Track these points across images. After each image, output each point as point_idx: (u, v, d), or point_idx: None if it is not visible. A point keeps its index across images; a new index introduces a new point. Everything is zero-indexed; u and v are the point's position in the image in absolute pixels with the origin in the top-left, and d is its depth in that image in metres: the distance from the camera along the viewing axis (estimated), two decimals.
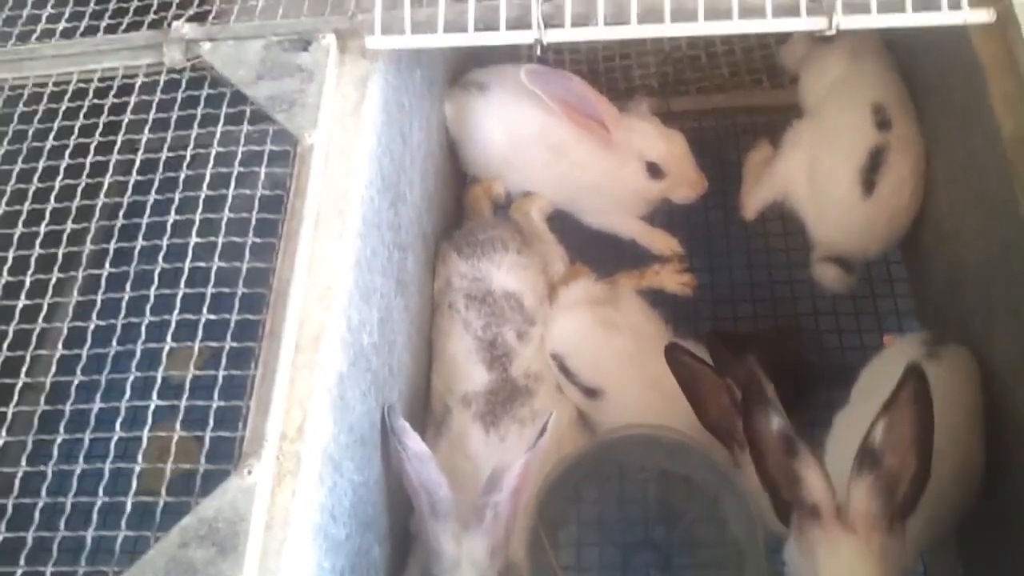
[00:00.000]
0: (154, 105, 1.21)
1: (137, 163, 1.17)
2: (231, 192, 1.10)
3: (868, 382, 1.30)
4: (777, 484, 1.07)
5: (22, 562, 0.90)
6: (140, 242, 1.09)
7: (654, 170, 1.63)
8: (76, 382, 1.02)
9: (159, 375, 0.99)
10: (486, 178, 1.76)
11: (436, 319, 1.57)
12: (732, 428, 1.31)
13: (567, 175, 1.68)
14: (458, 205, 1.79)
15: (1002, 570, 1.24)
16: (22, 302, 1.08)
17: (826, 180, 1.53)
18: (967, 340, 1.35)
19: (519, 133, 1.68)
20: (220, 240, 1.07)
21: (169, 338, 1.02)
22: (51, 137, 1.21)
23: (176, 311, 1.03)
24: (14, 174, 1.19)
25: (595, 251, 1.73)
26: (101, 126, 1.21)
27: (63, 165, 1.18)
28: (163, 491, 0.92)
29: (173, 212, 1.11)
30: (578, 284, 1.60)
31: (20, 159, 1.20)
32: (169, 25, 1.26)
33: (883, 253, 1.65)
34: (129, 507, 0.92)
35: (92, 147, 1.19)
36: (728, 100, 1.90)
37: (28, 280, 1.09)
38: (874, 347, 1.62)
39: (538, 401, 1.46)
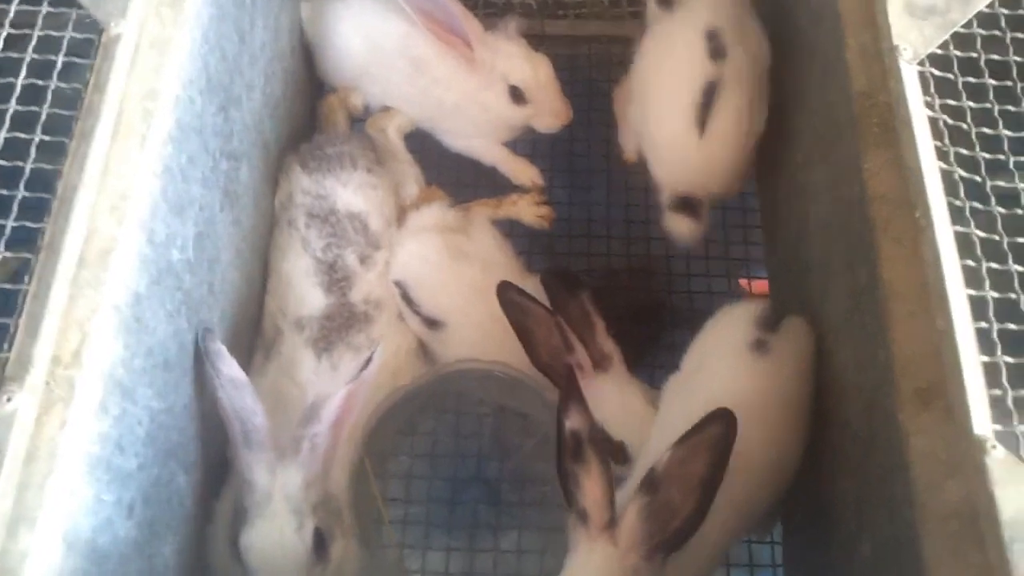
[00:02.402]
0: None
1: None
2: (20, 81, 0.98)
3: (700, 350, 1.28)
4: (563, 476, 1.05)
5: None
6: None
7: (517, 95, 1.56)
8: None
9: None
10: (343, 88, 1.65)
11: (275, 235, 1.47)
12: (562, 368, 1.29)
13: (428, 92, 1.59)
14: (312, 115, 1.68)
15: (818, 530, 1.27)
16: None
17: (660, 118, 1.47)
18: (805, 295, 1.36)
19: (379, 43, 1.58)
20: (2, 135, 0.95)
21: None
22: None
23: None
24: None
25: (453, 174, 1.66)
26: None
27: None
28: None
29: None
30: (430, 209, 1.52)
31: None
32: None
33: (740, 199, 1.64)
34: None
35: None
36: (604, 28, 1.82)
37: None
38: (722, 292, 1.64)
39: (376, 329, 1.40)
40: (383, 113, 1.64)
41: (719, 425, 0.98)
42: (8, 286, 0.90)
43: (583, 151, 1.72)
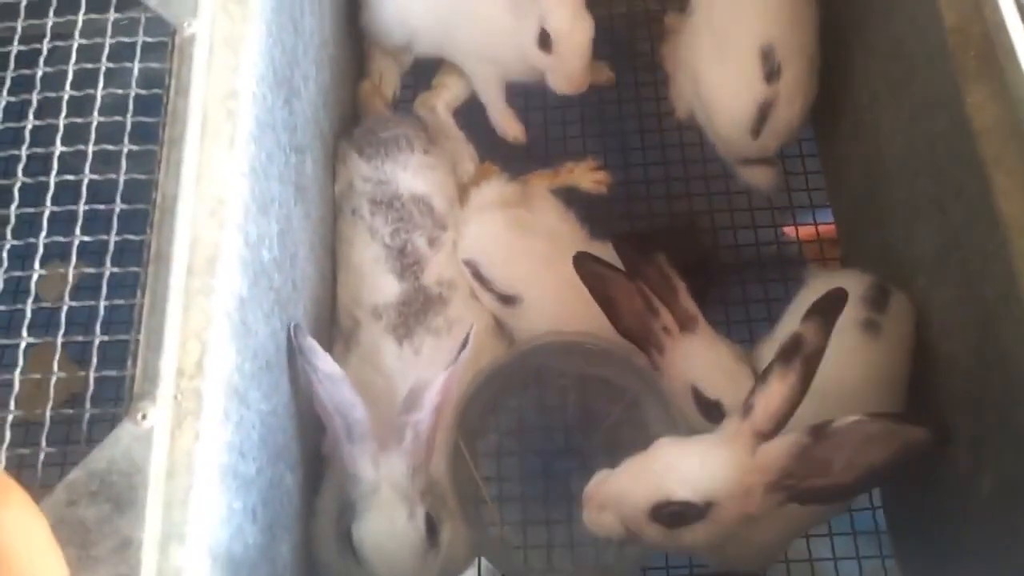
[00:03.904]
0: None
1: None
2: (99, 92, 0.95)
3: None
4: None
5: None
6: None
7: (544, 41, 1.48)
8: None
9: (28, 308, 0.86)
10: (379, 62, 1.62)
11: (339, 226, 1.45)
12: (648, 332, 1.28)
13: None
14: (355, 102, 1.65)
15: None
16: None
17: (720, 88, 1.46)
18: (883, 237, 1.34)
19: None
20: (90, 148, 0.93)
21: (37, 264, 0.89)
22: None
23: (43, 233, 0.90)
24: None
25: (505, 149, 1.63)
26: None
27: None
28: (43, 442, 0.81)
29: (31, 116, 0.96)
30: (489, 185, 1.50)
31: None
32: None
33: (797, 145, 1.62)
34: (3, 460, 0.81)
35: None
36: None
37: None
38: (786, 240, 1.62)
39: (453, 310, 1.38)
40: (431, 92, 1.61)
41: (929, 433, 0.94)
42: (89, 303, 0.88)
43: (631, 112, 1.69)
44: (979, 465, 1.07)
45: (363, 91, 1.65)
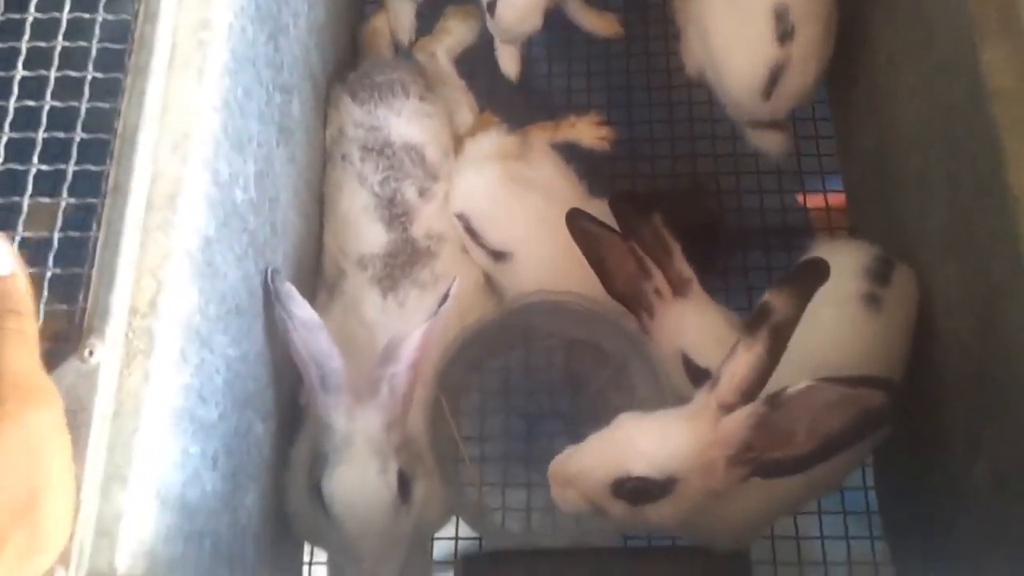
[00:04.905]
0: None
1: None
2: (65, 16, 0.91)
3: None
4: None
5: None
6: None
7: None
8: None
9: None
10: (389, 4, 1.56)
11: (328, 172, 1.41)
12: (640, 295, 1.23)
13: None
14: (353, 43, 1.60)
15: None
16: None
17: (730, 49, 1.40)
18: (894, 209, 1.28)
19: None
20: (52, 74, 0.89)
21: None
22: None
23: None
24: None
25: (506, 98, 1.58)
26: None
27: None
28: None
29: None
30: (487, 136, 1.44)
31: None
32: None
33: (810, 108, 1.55)
34: None
35: None
36: None
37: None
38: (793, 208, 1.56)
39: (440, 264, 1.34)
40: (431, 37, 1.56)
41: (885, 396, 0.89)
42: (43, 234, 0.84)
43: (640, 67, 1.63)
44: (974, 451, 1.03)
45: (368, 31, 1.59)
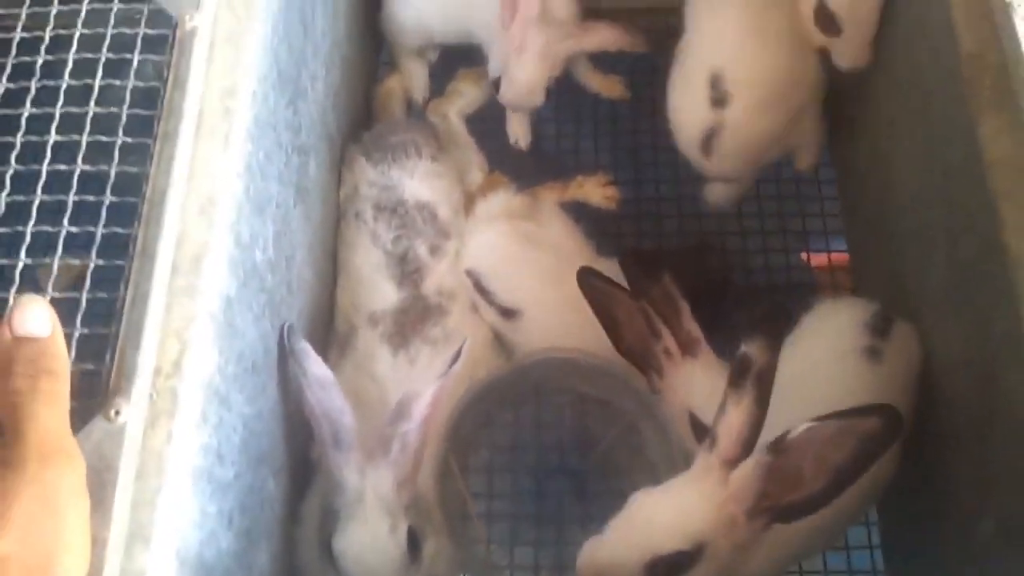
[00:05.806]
0: None
1: None
2: (98, 82, 0.94)
3: (801, 347, 1.21)
4: None
5: None
6: None
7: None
8: None
9: (10, 297, 0.85)
10: (403, 66, 1.60)
11: (342, 230, 1.44)
12: (649, 354, 1.25)
13: None
14: (368, 105, 1.64)
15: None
16: None
17: (678, 108, 1.49)
18: (895, 268, 1.31)
19: None
20: (84, 139, 0.92)
21: (23, 254, 0.87)
22: None
23: (32, 221, 0.88)
24: None
25: (515, 159, 1.61)
26: None
27: None
28: None
29: (28, 104, 0.95)
30: (497, 196, 1.48)
31: None
32: None
33: (815, 171, 1.59)
34: None
35: None
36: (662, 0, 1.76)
37: None
38: (798, 267, 1.59)
39: (451, 321, 1.36)
40: (443, 98, 1.60)
41: (879, 420, 0.90)
42: (73, 295, 0.86)
43: (646, 127, 1.67)
44: (982, 507, 1.04)
45: (382, 93, 1.64)
